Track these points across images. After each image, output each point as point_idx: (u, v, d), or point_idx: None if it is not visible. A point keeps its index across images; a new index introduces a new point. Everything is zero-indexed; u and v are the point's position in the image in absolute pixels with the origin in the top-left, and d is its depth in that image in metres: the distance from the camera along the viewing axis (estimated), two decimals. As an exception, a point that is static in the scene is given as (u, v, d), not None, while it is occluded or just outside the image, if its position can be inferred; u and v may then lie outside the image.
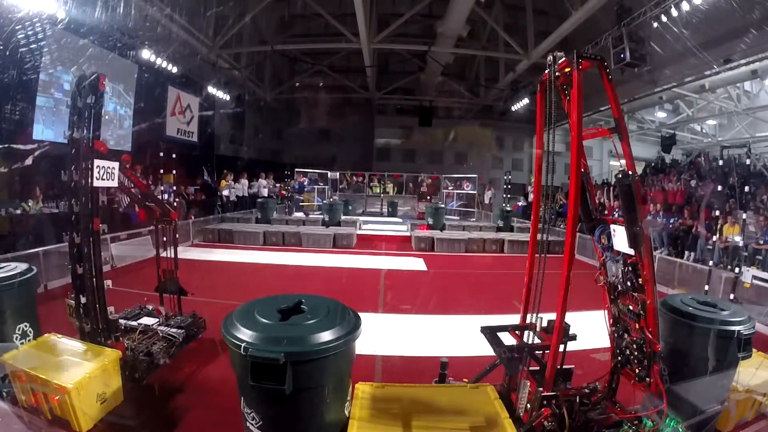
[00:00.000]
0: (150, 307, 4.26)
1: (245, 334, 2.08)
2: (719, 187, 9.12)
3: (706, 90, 12.25)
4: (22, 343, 3.28)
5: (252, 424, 2.17)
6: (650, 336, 2.44)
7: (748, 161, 11.46)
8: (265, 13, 13.21)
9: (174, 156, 10.13)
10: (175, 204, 9.89)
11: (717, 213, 8.25)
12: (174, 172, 10.49)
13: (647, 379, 2.48)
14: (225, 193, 13.26)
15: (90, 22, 8.90)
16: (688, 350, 2.63)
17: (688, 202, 10.35)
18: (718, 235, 7.88)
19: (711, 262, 6.57)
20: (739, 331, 2.57)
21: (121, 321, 3.82)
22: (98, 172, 3.23)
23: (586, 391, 2.82)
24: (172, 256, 4.26)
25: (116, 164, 3.44)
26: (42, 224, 7.32)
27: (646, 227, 2.44)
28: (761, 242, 7.80)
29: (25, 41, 7.79)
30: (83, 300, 3.24)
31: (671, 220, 9.58)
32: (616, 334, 2.71)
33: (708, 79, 10.90)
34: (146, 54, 11.02)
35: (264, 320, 2.21)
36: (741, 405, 2.89)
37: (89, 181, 3.18)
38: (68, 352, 3.07)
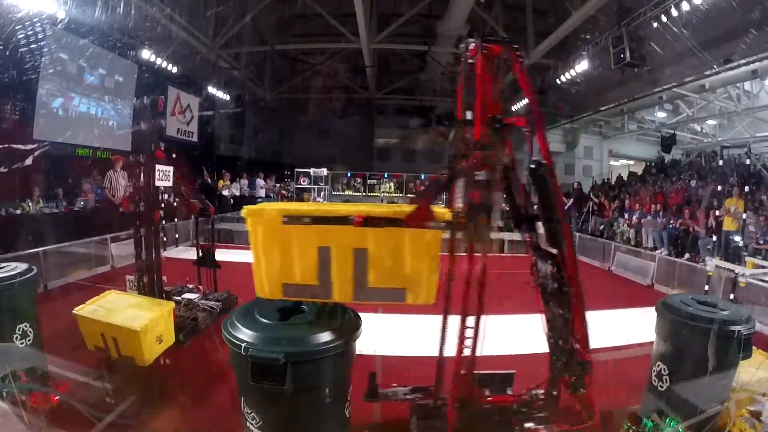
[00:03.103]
0: (191, 286, 5.11)
1: (245, 334, 2.08)
2: (719, 187, 9.11)
3: (706, 90, 12.25)
4: (22, 344, 3.27)
5: (252, 425, 2.17)
6: (576, 344, 2.23)
7: (748, 161, 11.46)
8: (265, 13, 13.19)
9: (174, 156, 10.12)
10: (175, 204, 9.88)
11: (717, 213, 8.25)
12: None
13: (581, 390, 2.32)
14: (225, 193, 13.26)
15: (90, 22, 8.89)
16: (688, 350, 2.63)
17: (688, 202, 10.35)
18: (723, 209, 7.96)
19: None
20: (739, 331, 2.57)
21: (169, 295, 4.61)
22: (158, 175, 4.21)
23: (527, 398, 2.66)
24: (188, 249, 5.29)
25: (171, 168, 4.44)
26: (42, 224, 7.31)
27: (565, 220, 2.28)
28: (761, 242, 7.80)
29: (25, 41, 7.79)
30: (145, 276, 4.19)
31: (671, 221, 9.58)
32: (552, 339, 2.54)
33: (708, 79, 10.90)
34: (146, 54, 11.00)
35: (264, 320, 2.21)
36: (741, 405, 2.89)
37: (152, 181, 4.10)
38: (130, 304, 3.77)
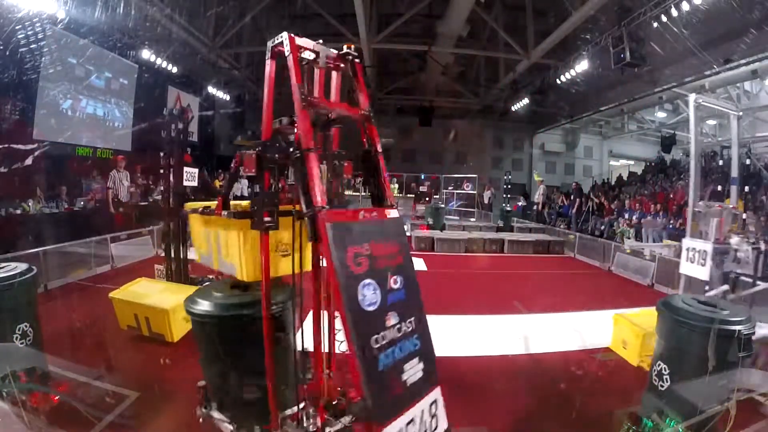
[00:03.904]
0: (211, 277, 5.36)
1: (206, 306, 2.44)
2: (719, 187, 9.11)
3: (706, 90, 12.24)
4: (22, 344, 3.27)
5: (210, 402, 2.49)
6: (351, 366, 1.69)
7: (748, 161, 11.45)
8: (265, 13, 13.20)
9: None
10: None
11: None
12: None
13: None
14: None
15: (90, 22, 8.90)
16: (688, 350, 2.63)
17: (687, 202, 10.35)
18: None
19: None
20: (739, 330, 2.57)
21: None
22: (186, 176, 4.88)
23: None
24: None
25: (197, 170, 5.13)
26: (42, 224, 7.31)
27: (319, 213, 1.80)
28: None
29: (25, 41, 7.79)
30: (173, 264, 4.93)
31: (671, 221, 9.59)
32: None
33: (708, 79, 10.90)
34: (146, 54, 11.01)
35: (223, 293, 2.57)
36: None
37: (180, 182, 4.81)
38: (160, 288, 4.33)
